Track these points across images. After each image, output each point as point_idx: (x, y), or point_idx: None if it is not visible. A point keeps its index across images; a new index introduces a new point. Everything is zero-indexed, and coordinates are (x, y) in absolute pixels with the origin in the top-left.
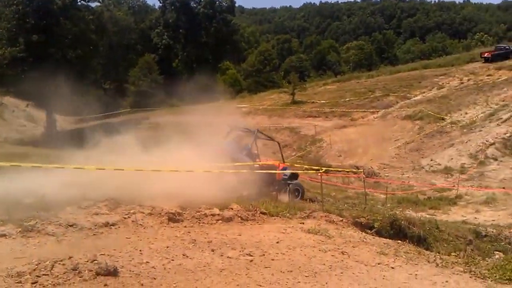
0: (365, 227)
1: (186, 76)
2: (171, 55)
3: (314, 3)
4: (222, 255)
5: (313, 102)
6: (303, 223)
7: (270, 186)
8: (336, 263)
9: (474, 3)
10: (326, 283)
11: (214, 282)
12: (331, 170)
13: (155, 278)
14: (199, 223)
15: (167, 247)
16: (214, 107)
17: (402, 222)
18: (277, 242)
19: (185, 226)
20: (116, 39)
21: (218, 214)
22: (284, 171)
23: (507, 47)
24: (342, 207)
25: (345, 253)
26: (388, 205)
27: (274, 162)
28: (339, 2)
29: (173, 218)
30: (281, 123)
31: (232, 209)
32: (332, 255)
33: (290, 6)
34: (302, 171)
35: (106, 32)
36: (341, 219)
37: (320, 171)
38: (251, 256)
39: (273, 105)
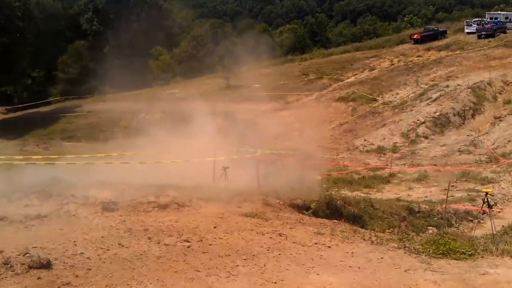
0: (302, 209)
1: (118, 62)
2: (102, 41)
3: None
4: (159, 243)
5: (248, 86)
6: (241, 207)
7: None
8: (274, 245)
9: None
10: (264, 265)
11: (152, 270)
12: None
13: (90, 269)
14: (134, 211)
15: (102, 237)
16: (147, 93)
17: (338, 202)
18: (215, 227)
19: (120, 215)
20: (43, 26)
21: (154, 201)
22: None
23: (436, 28)
24: (280, 189)
25: (282, 235)
26: (324, 186)
27: None
28: None
29: (108, 208)
30: (217, 108)
31: (168, 195)
32: (270, 237)
33: None
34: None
35: (33, 19)
36: (278, 201)
37: (257, 154)
38: (189, 242)
39: (208, 90)
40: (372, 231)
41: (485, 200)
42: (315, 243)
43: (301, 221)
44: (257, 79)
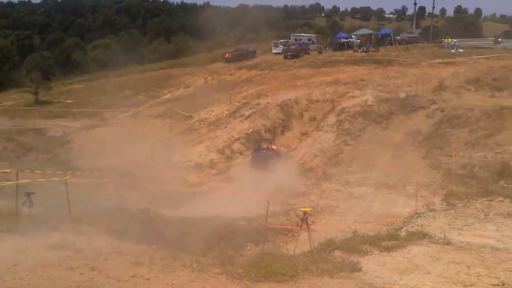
0: (119, 234)
1: None
2: None
3: None
4: None
5: (60, 102)
6: (48, 238)
7: None
8: (85, 282)
9: (214, 5)
10: None
11: None
12: (81, 174)
13: None
14: None
15: None
16: None
17: (157, 223)
18: (15, 265)
19: None
20: None
21: None
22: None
23: (246, 48)
24: (94, 214)
25: (95, 269)
26: (143, 206)
27: None
28: None
29: None
30: (24, 125)
31: None
32: (81, 273)
33: (29, 1)
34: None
35: None
36: (92, 227)
37: (66, 177)
38: None
39: (14, 106)
40: (193, 256)
41: (304, 219)
42: (132, 276)
43: (118, 249)
44: (69, 95)
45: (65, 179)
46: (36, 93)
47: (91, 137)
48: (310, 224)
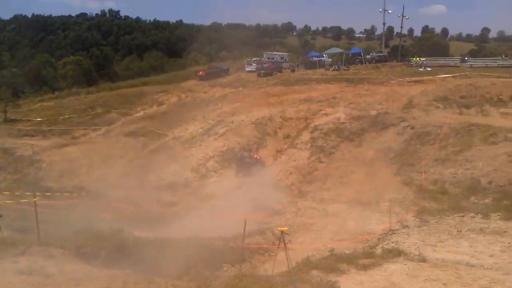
0: (91, 257)
1: None
2: None
3: (26, 15)
4: None
5: (29, 120)
6: (16, 263)
7: None
8: None
9: (187, 23)
10: None
11: None
12: (51, 195)
13: None
14: None
15: None
16: None
17: (131, 245)
18: None
19: None
20: None
21: None
22: None
23: (219, 66)
24: (64, 237)
25: None
26: (115, 227)
27: None
28: (53, 15)
29: None
30: None
31: None
32: None
33: None
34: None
35: None
36: (62, 251)
37: (35, 199)
38: None
39: None
40: (169, 280)
41: (282, 238)
42: None
43: (90, 274)
44: (39, 112)
45: (34, 200)
46: (4, 111)
47: (61, 156)
48: (287, 243)
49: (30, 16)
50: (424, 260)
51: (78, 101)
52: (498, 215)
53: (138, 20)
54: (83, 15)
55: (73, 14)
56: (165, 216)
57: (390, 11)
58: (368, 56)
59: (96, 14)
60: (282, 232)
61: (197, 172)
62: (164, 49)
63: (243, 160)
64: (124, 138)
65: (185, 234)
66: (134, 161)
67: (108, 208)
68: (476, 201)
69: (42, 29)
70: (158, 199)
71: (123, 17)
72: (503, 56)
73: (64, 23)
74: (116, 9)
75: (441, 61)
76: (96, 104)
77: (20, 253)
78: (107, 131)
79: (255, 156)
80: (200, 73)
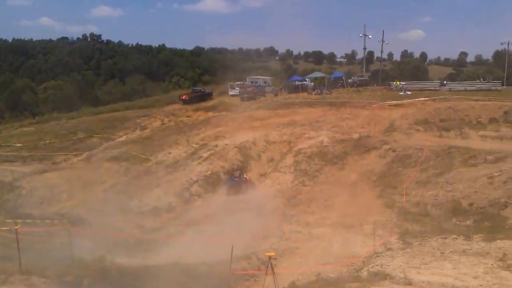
0: (73, 286)
1: None
2: None
3: (6, 39)
4: None
5: (9, 145)
6: None
7: None
8: None
9: (170, 48)
10: None
11: None
12: (31, 222)
13: None
14: None
15: None
16: None
17: (114, 273)
18: None
19: None
20: None
21: None
22: None
23: (203, 90)
24: (46, 265)
25: None
26: (97, 254)
27: None
28: (34, 39)
29: None
30: None
31: None
32: None
33: None
34: None
35: None
36: (44, 280)
37: (16, 227)
38: None
39: None
40: None
41: (269, 264)
42: None
43: None
44: (19, 138)
45: (16, 228)
46: None
47: (42, 182)
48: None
49: (10, 40)
50: (410, 283)
51: (59, 126)
52: (480, 236)
53: (120, 44)
54: (64, 39)
55: (54, 38)
56: (148, 242)
57: (370, 36)
58: (349, 80)
59: (78, 38)
60: (269, 257)
61: (181, 197)
62: (146, 73)
63: (232, 179)
64: (106, 163)
65: (168, 260)
66: (116, 187)
67: (90, 235)
68: (457, 222)
69: (23, 53)
70: (141, 225)
71: (105, 41)
72: (481, 80)
73: (45, 47)
74: (98, 33)
75: (421, 85)
76: (78, 129)
77: (1, 283)
78: (89, 156)
79: (244, 175)
80: (184, 97)
